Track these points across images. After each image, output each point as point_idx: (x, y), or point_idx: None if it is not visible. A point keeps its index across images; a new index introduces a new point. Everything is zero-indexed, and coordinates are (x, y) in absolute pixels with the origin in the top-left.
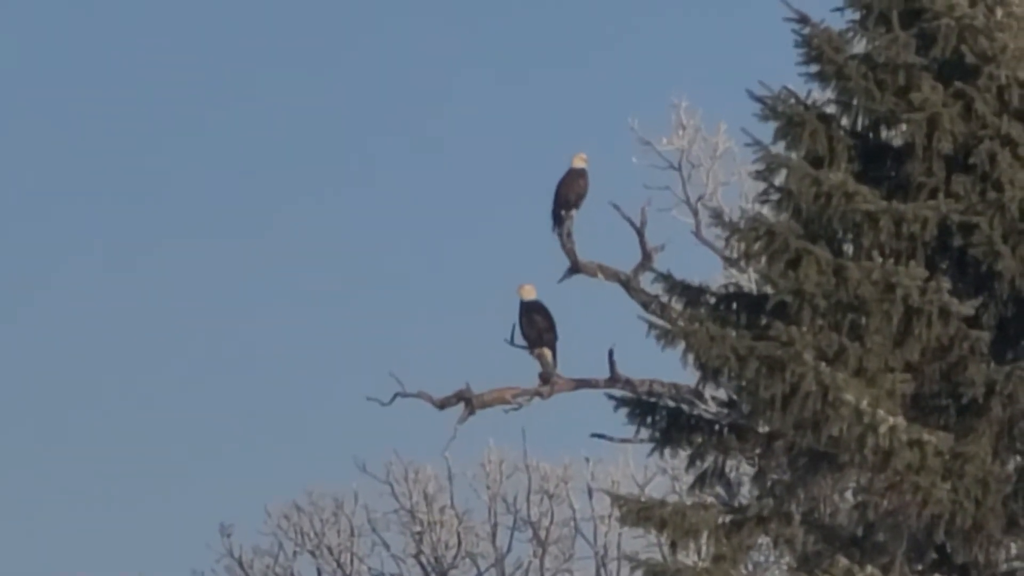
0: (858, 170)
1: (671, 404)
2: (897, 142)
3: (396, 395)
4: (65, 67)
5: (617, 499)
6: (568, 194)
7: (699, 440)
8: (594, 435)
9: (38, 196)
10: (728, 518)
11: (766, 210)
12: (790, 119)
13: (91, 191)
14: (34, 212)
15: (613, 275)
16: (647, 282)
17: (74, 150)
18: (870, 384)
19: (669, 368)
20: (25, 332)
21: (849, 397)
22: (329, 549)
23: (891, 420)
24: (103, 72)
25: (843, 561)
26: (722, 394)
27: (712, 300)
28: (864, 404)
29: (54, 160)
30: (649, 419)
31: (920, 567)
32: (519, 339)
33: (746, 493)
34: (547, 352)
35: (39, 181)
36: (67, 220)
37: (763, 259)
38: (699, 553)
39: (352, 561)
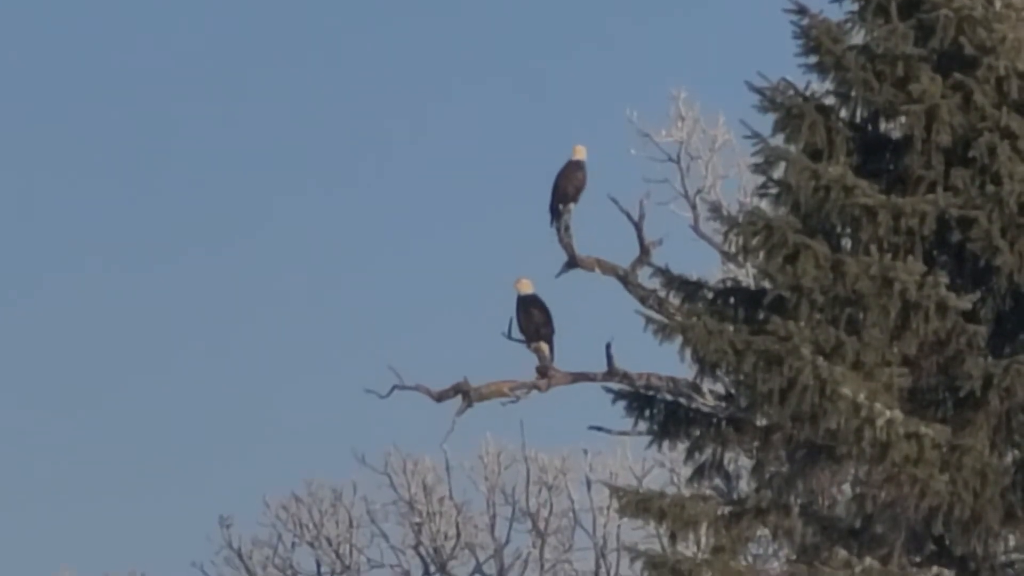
0: (857, 163)
1: (669, 397)
2: (896, 134)
3: (394, 388)
4: (57, 69)
5: (616, 490)
6: (567, 187)
7: (697, 433)
8: (592, 427)
9: (40, 198)
10: (727, 510)
11: (765, 204)
12: (789, 111)
13: (91, 193)
14: (35, 214)
15: (611, 269)
16: (645, 276)
17: (69, 152)
18: (867, 378)
19: (667, 362)
20: (25, 330)
21: (846, 390)
22: (328, 540)
23: (888, 413)
24: (95, 75)
25: (841, 553)
26: (720, 388)
27: (710, 295)
28: (861, 397)
29: (51, 161)
30: (647, 412)
31: (918, 559)
32: (516, 333)
33: (745, 485)
34: (544, 346)
35: (39, 183)
36: (68, 221)
37: (761, 254)
38: (698, 544)
39: (351, 552)
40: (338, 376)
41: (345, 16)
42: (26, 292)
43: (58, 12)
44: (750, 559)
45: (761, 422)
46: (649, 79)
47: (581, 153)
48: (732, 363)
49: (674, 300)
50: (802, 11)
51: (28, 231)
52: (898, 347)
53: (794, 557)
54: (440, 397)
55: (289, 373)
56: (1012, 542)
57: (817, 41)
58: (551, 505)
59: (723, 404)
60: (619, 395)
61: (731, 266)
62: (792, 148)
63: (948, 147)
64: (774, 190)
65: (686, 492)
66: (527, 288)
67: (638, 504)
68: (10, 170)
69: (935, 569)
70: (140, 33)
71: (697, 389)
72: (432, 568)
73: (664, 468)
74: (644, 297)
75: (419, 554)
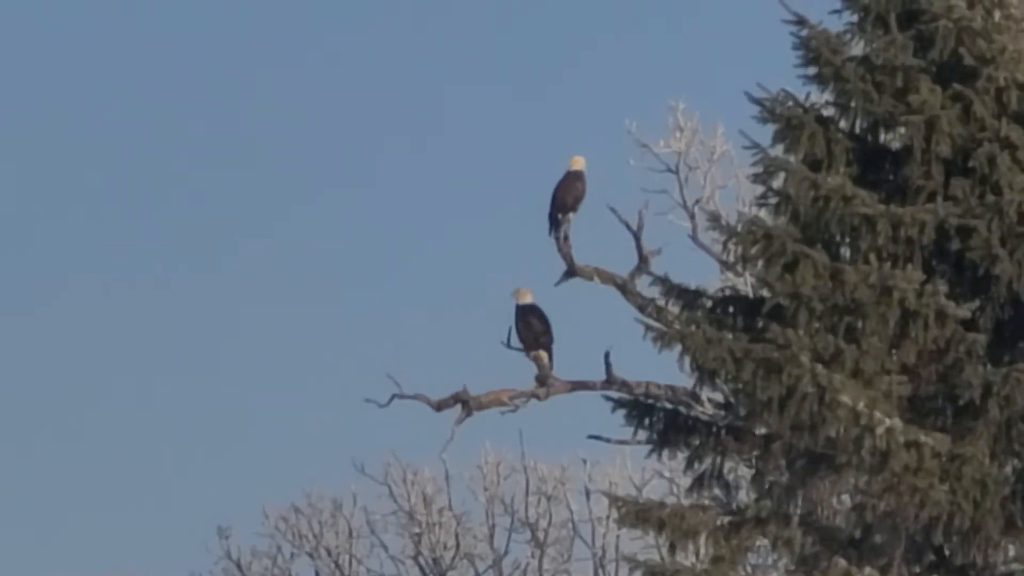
0: (856, 173)
1: (668, 406)
2: (895, 145)
3: (394, 397)
4: (65, 74)
5: (615, 500)
6: (565, 197)
7: (697, 442)
8: (591, 437)
9: (45, 202)
10: (726, 519)
11: (763, 213)
12: (788, 121)
13: (93, 195)
14: (41, 218)
15: (609, 278)
16: (644, 285)
17: (73, 154)
18: (867, 386)
19: (666, 371)
20: (27, 335)
21: (846, 399)
22: (327, 551)
23: (888, 422)
24: (100, 78)
25: (841, 563)
26: (719, 396)
27: (709, 303)
28: (861, 406)
29: (55, 164)
30: (647, 421)
31: (918, 569)
32: (515, 342)
33: (744, 495)
34: (543, 355)
35: (46, 188)
36: (71, 224)
37: (760, 262)
38: (697, 554)
39: (350, 563)
40: (337, 385)
41: (346, 21)
42: (27, 296)
43: (57, 15)
44: (749, 569)
45: (760, 431)
46: (648, 90)
47: (580, 163)
48: (731, 371)
49: (673, 308)
50: (801, 22)
51: (31, 234)
52: (897, 355)
53: (793, 567)
54: (440, 406)
55: (288, 382)
56: (1012, 552)
57: (817, 52)
58: (550, 515)
59: (722, 412)
60: (618, 404)
61: (729, 275)
62: (791, 158)
63: (948, 157)
64: (773, 200)
65: (685, 502)
66: (526, 297)
67: (637, 514)
68: (13, 172)
69: None
70: (141, 39)
71: (696, 398)
72: None
73: (664, 478)
74: (643, 305)
75: (418, 564)
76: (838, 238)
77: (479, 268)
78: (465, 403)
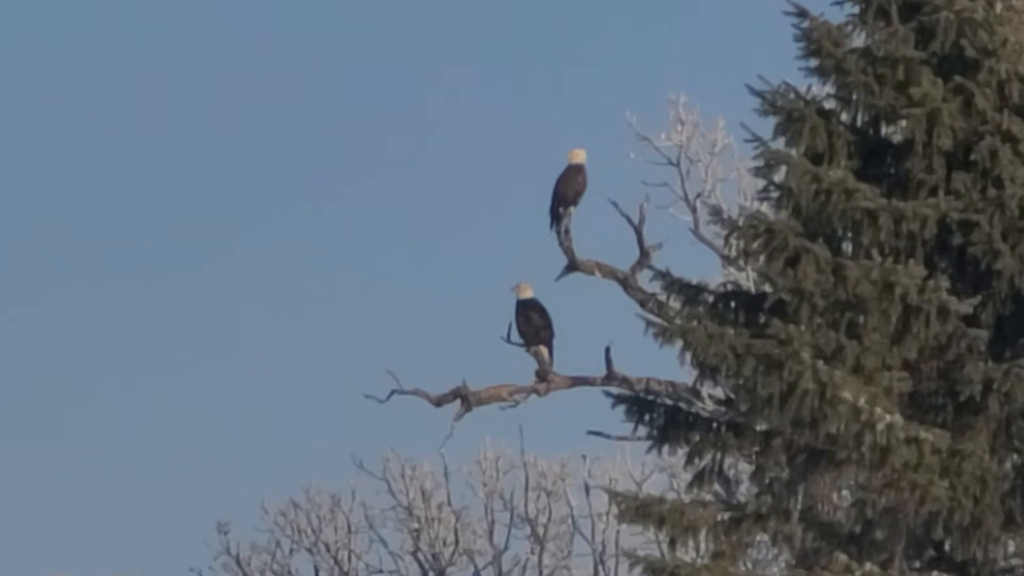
0: (858, 167)
1: (669, 402)
2: (897, 138)
3: (393, 392)
4: (64, 73)
5: (615, 496)
6: (567, 191)
7: (697, 438)
8: (591, 432)
9: (50, 203)
10: (727, 515)
11: (765, 207)
12: (789, 114)
13: (95, 200)
14: (45, 218)
15: (610, 273)
16: (645, 280)
17: (73, 158)
18: (868, 382)
19: (666, 367)
20: (27, 333)
21: (847, 395)
22: (326, 546)
23: (888, 418)
24: (95, 80)
25: (842, 558)
26: (720, 392)
27: (710, 298)
28: (862, 402)
29: (55, 164)
30: (647, 417)
31: (918, 564)
32: (516, 337)
33: (745, 491)
34: (543, 350)
35: (46, 187)
36: (74, 227)
37: (762, 257)
38: (698, 550)
39: (349, 558)
40: (336, 381)
41: (345, 18)
42: (25, 294)
43: (57, 14)
44: (750, 565)
45: (761, 427)
46: (648, 83)
47: (581, 157)
48: (732, 367)
49: (674, 304)
50: (803, 14)
51: (33, 234)
52: (898, 351)
53: (794, 563)
54: (439, 402)
55: (287, 378)
56: (1012, 547)
57: (818, 44)
58: (550, 511)
59: (723, 409)
60: (618, 399)
61: (731, 270)
62: (793, 152)
63: (949, 151)
64: (775, 194)
65: (686, 498)
66: (526, 292)
67: (637, 510)
68: (11, 172)
69: (935, 575)
70: (140, 44)
71: (697, 393)
72: (431, 574)
73: (664, 473)
74: (644, 300)
75: (417, 560)
76: (840, 232)
77: (479, 263)
78: (464, 399)
